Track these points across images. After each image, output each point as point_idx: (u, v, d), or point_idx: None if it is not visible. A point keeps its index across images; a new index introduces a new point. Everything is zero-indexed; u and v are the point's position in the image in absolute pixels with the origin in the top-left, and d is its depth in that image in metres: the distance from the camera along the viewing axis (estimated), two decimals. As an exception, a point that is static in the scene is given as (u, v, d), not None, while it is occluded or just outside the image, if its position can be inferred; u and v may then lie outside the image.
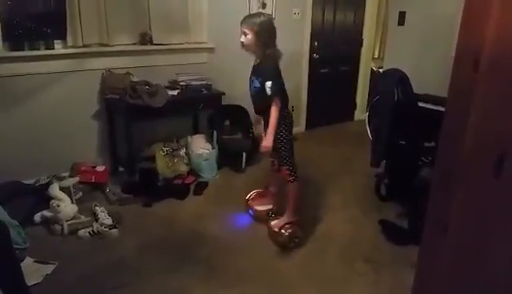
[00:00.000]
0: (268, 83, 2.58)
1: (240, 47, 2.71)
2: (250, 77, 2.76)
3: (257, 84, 2.69)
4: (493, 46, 1.19)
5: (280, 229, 2.79)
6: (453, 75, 1.36)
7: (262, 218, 3.07)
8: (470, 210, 1.34)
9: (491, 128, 1.21)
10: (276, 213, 3.04)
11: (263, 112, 2.77)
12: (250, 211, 3.17)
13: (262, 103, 2.71)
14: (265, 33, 2.58)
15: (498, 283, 1.28)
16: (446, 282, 1.48)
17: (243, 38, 2.62)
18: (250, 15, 2.73)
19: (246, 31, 2.60)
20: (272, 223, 2.90)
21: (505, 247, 1.22)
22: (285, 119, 2.74)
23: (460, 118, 1.30)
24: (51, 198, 3.00)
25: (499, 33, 1.18)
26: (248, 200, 3.21)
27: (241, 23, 2.64)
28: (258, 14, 2.72)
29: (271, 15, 4.52)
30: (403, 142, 3.08)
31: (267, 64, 2.65)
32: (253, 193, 3.24)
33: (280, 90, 2.66)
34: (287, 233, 2.77)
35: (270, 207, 3.11)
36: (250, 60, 2.77)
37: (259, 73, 2.68)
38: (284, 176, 2.85)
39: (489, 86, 1.20)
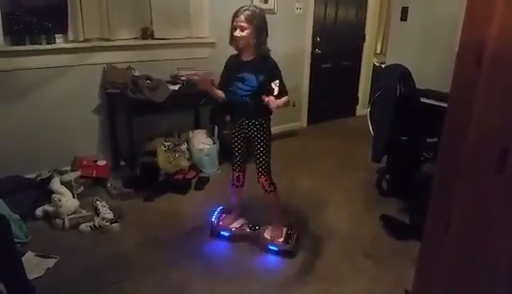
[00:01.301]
0: (277, 82, 2.40)
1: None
2: (237, 75, 2.49)
3: (253, 82, 2.45)
4: (496, 41, 1.18)
5: (286, 239, 2.69)
6: (456, 70, 1.35)
7: (242, 235, 2.83)
8: (472, 206, 1.33)
9: (493, 123, 1.21)
10: (255, 224, 2.86)
11: (247, 112, 2.55)
12: (225, 233, 2.84)
13: (254, 102, 2.48)
14: (263, 27, 2.43)
15: (500, 280, 1.28)
16: (448, 278, 1.48)
17: (239, 33, 2.38)
18: (244, 8, 2.41)
19: (244, 25, 2.37)
20: (269, 236, 2.72)
21: (508, 244, 1.22)
22: (270, 123, 2.63)
23: (462, 113, 1.29)
24: (52, 192, 3.00)
25: (502, 28, 1.17)
26: (217, 224, 2.86)
27: (236, 16, 2.39)
28: (252, 6, 2.48)
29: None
30: (405, 137, 3.07)
31: (269, 61, 2.48)
32: (218, 215, 2.91)
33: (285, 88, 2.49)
34: (294, 241, 2.69)
35: (243, 221, 2.89)
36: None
37: (256, 69, 2.44)
38: (265, 187, 2.64)
39: (492, 80, 1.19)
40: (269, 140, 2.61)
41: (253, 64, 2.47)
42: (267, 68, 2.46)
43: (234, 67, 2.55)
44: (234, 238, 2.82)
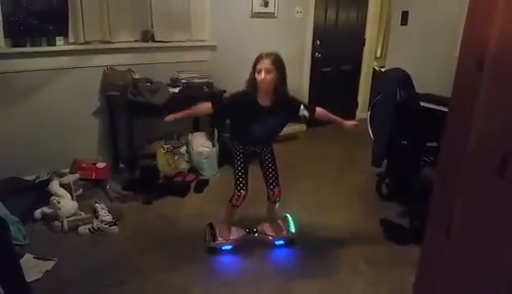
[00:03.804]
0: (302, 108, 2.47)
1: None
2: (256, 119, 2.47)
3: (277, 126, 2.55)
4: (497, 45, 1.18)
5: (287, 229, 2.84)
6: (457, 74, 1.35)
7: (244, 241, 2.77)
8: (473, 211, 1.33)
9: (495, 127, 1.20)
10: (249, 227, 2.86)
11: (261, 144, 2.62)
12: (228, 247, 2.72)
13: (275, 135, 2.61)
14: (285, 72, 2.44)
15: (501, 287, 1.27)
16: (448, 284, 1.47)
17: (264, 76, 2.35)
18: (268, 52, 2.42)
19: (270, 67, 2.35)
20: (271, 232, 2.81)
21: (509, 249, 1.21)
22: None
23: (463, 117, 1.29)
24: (51, 194, 2.99)
25: (503, 32, 1.17)
26: (214, 241, 2.70)
27: (261, 58, 2.37)
28: (273, 52, 2.45)
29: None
30: (405, 142, 3.07)
31: (285, 98, 2.49)
32: (212, 232, 2.75)
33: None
34: (293, 228, 2.83)
35: (237, 228, 2.81)
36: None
37: (277, 113, 2.47)
38: (275, 196, 2.68)
39: (493, 84, 1.19)
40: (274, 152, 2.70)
41: (274, 108, 2.46)
42: (287, 106, 2.50)
43: (250, 110, 2.47)
44: (237, 248, 2.73)
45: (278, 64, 2.39)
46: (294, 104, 2.52)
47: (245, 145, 2.61)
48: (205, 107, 2.55)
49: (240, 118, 2.54)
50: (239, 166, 2.59)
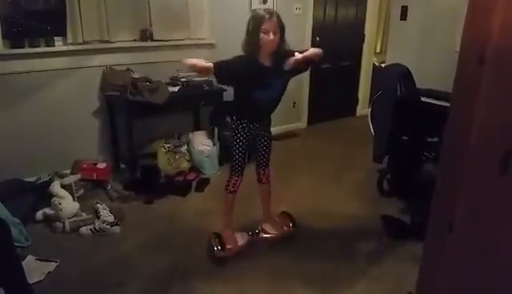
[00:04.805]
0: (296, 53, 2.37)
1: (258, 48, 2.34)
2: (263, 82, 2.39)
3: (280, 85, 2.46)
4: (499, 38, 1.17)
5: (288, 225, 2.85)
6: (458, 68, 1.34)
7: (251, 242, 2.74)
8: (476, 208, 1.32)
9: (497, 122, 1.19)
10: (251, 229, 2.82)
11: (263, 118, 2.61)
12: (231, 249, 2.63)
13: (273, 107, 2.56)
14: (284, 28, 2.37)
15: (504, 284, 1.27)
16: (451, 280, 1.47)
17: (272, 36, 2.28)
18: (271, 11, 2.37)
19: (277, 28, 2.29)
20: (273, 230, 2.82)
21: (511, 245, 1.20)
22: None
23: (465, 112, 1.28)
24: (52, 195, 2.99)
25: (504, 25, 1.16)
26: (224, 251, 2.57)
27: (264, 19, 2.28)
28: (272, 9, 2.40)
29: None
30: (406, 137, 3.06)
31: (281, 52, 2.39)
32: (220, 242, 2.59)
33: None
34: (293, 222, 2.85)
35: (240, 234, 2.75)
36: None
37: (280, 70, 2.39)
38: (268, 178, 2.76)
39: (495, 78, 1.18)
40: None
41: (275, 67, 2.40)
42: (284, 57, 2.39)
43: (253, 72, 2.36)
44: (244, 251, 2.67)
45: (281, 23, 2.34)
46: (289, 53, 2.40)
47: (249, 121, 2.52)
48: (206, 66, 2.28)
49: (244, 82, 2.39)
50: (237, 151, 2.56)
